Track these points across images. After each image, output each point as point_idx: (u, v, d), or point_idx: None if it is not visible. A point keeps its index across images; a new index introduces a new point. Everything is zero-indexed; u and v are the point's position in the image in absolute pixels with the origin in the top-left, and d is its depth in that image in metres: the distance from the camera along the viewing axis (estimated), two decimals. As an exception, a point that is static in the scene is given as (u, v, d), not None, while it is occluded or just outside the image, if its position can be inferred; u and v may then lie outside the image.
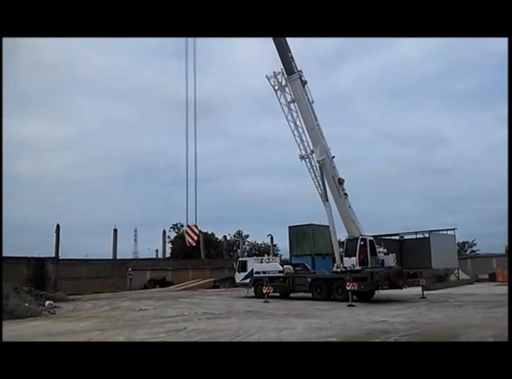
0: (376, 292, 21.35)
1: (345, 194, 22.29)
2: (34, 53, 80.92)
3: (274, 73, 23.11)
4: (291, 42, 22.68)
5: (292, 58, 22.57)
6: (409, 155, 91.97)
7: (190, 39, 19.42)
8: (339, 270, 21.50)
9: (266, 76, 23.30)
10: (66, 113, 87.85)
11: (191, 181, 18.83)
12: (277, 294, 23.96)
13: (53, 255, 36.18)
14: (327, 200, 22.33)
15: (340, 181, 22.27)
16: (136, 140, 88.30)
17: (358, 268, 20.65)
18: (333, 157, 22.66)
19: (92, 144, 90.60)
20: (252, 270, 25.43)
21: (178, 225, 53.64)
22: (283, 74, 22.84)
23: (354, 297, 19.64)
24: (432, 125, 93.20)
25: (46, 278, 34.41)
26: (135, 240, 74.26)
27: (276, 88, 23.10)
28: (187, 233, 18.56)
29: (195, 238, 19.00)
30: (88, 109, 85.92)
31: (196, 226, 19.27)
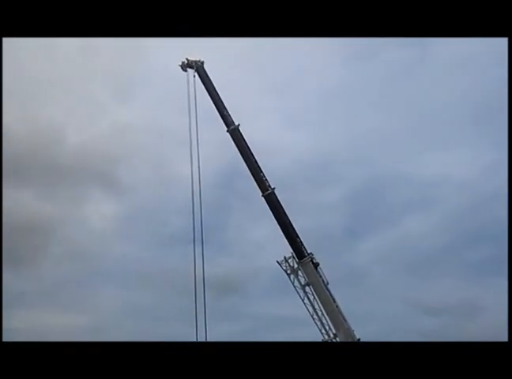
0: None
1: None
2: (65, 243, 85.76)
3: (285, 257, 23.18)
4: (298, 227, 23.63)
5: (301, 242, 23.00)
6: (444, 326, 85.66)
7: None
8: None
9: (277, 262, 23.34)
10: (86, 301, 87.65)
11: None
12: None
13: None
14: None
15: (372, 367, 20.26)
16: (155, 327, 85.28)
17: None
18: (359, 339, 21.22)
19: (109, 331, 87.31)
20: None
21: None
22: (294, 258, 22.97)
23: None
24: (462, 293, 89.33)
25: None
26: None
27: (289, 272, 22.94)
28: None
29: None
30: (109, 295, 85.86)
31: None
